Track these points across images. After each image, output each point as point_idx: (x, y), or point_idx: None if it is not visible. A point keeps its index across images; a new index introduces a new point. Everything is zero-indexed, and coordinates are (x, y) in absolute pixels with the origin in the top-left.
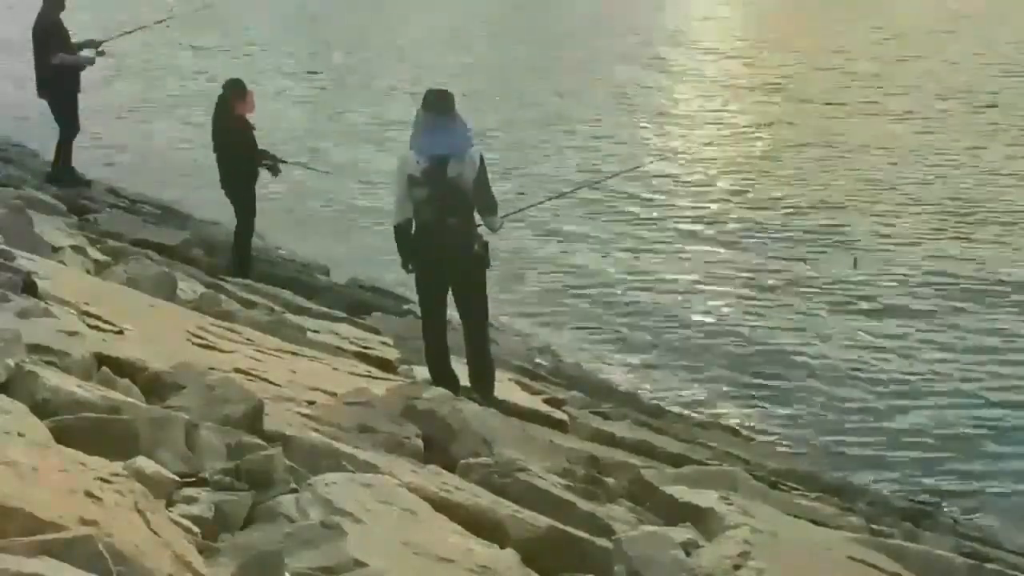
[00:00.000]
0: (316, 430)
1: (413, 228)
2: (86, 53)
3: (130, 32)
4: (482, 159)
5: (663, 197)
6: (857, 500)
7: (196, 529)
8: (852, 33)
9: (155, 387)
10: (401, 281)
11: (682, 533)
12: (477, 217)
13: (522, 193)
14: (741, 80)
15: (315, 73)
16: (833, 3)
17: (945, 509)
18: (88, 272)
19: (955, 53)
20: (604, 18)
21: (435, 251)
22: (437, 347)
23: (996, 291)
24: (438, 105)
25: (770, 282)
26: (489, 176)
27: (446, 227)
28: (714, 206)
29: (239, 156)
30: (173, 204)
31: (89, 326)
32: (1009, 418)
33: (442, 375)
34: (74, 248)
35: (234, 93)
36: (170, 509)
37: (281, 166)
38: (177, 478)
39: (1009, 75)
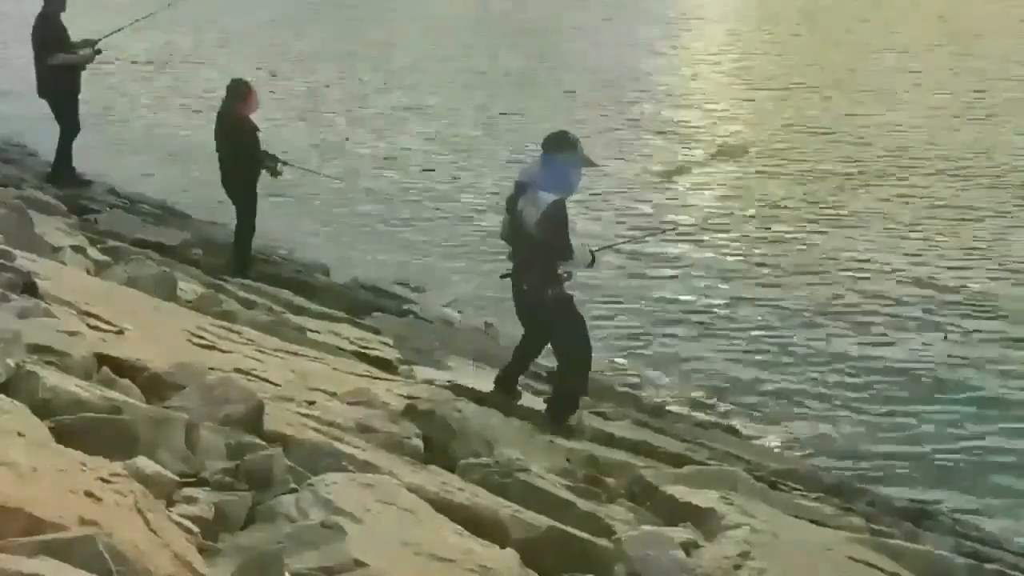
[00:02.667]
0: (316, 430)
1: None
2: (84, 52)
3: (122, 28)
4: (553, 207)
5: (660, 197)
6: (857, 500)
7: (196, 529)
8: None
9: (155, 387)
10: (401, 281)
11: (682, 533)
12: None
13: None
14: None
15: (312, 72)
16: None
17: (945, 509)
18: (88, 272)
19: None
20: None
21: (512, 276)
22: (516, 355)
23: (999, 293)
24: (545, 144)
25: (771, 283)
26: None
27: (513, 255)
28: (714, 206)
29: (241, 156)
30: (173, 204)
31: (89, 326)
32: (1010, 419)
33: (504, 371)
34: (74, 248)
35: (237, 92)
36: (170, 509)
37: (281, 168)
38: (177, 478)
39: None
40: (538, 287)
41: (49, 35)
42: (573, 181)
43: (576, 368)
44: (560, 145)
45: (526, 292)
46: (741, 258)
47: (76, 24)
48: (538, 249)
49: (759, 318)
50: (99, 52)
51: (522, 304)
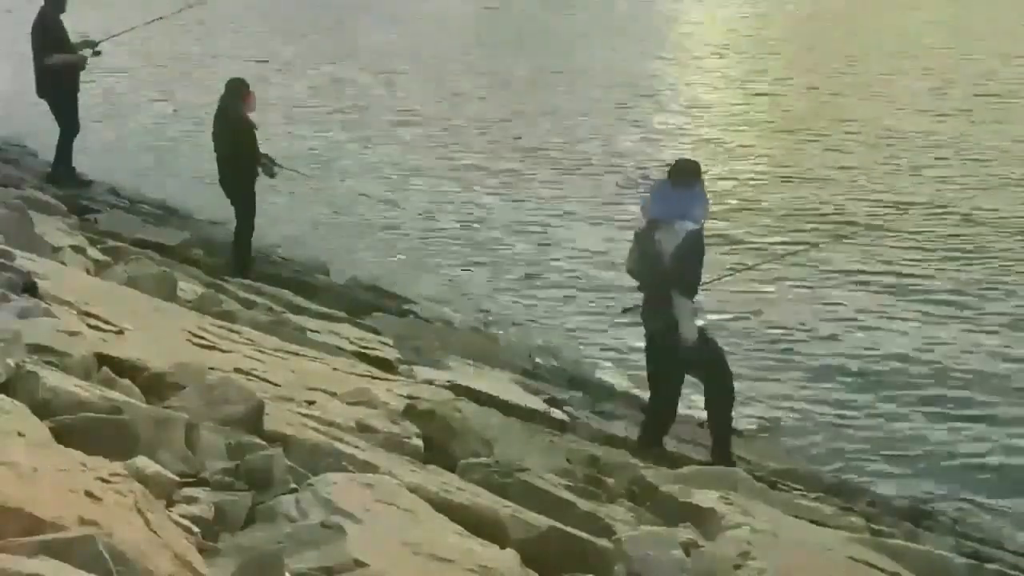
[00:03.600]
0: (316, 430)
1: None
2: (83, 53)
3: (123, 32)
4: (691, 236)
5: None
6: (857, 500)
7: (196, 529)
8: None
9: (155, 387)
10: (401, 281)
11: (682, 533)
12: None
13: None
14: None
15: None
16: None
17: (945, 509)
18: (88, 272)
19: None
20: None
21: (643, 312)
22: (654, 405)
23: (1003, 291)
24: (672, 172)
25: (770, 281)
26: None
27: (648, 290)
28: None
29: (240, 155)
30: (173, 204)
31: (89, 326)
32: (1010, 418)
33: (645, 429)
34: (74, 248)
35: (236, 92)
36: (170, 509)
37: (277, 170)
38: (177, 478)
39: None
40: (672, 323)
41: (48, 35)
42: (706, 208)
43: (728, 394)
44: (695, 173)
45: (660, 329)
46: (737, 256)
47: (80, 24)
48: (671, 283)
49: (757, 325)
50: (99, 54)
51: (655, 340)
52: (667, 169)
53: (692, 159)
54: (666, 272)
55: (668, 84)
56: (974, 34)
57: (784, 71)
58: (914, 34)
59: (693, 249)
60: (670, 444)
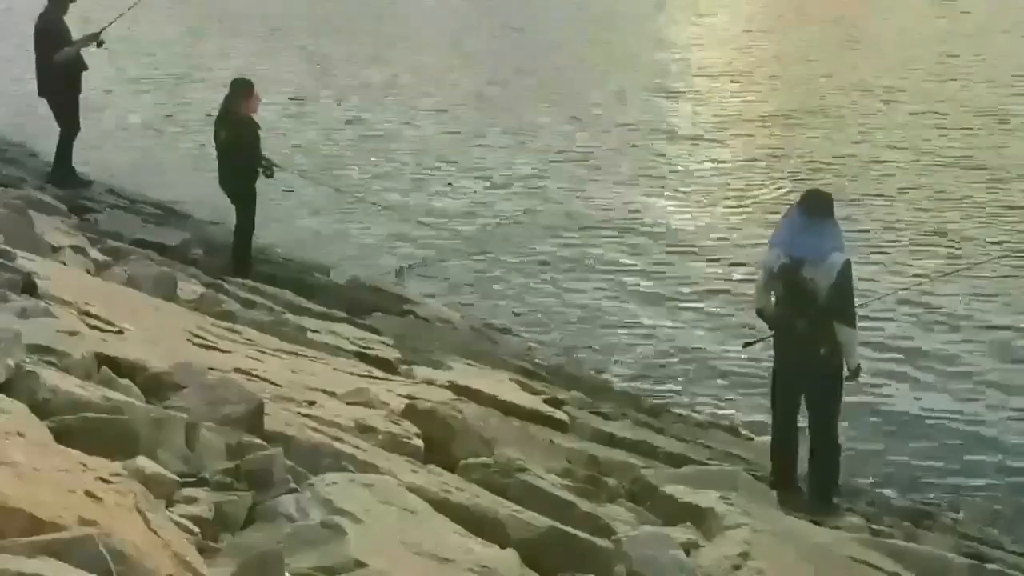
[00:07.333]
0: (316, 430)
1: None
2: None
3: (118, 17)
4: (845, 266)
5: (671, 200)
6: (857, 500)
7: (196, 529)
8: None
9: (155, 387)
10: (401, 281)
11: (682, 533)
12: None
13: None
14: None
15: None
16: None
17: (945, 509)
18: (88, 272)
19: None
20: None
21: (784, 350)
22: (781, 445)
23: (1002, 289)
24: (811, 208)
25: None
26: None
27: (794, 329)
28: (720, 204)
29: (241, 155)
30: (173, 204)
31: (89, 326)
32: (1010, 418)
33: (777, 472)
34: (74, 248)
35: (240, 92)
36: (170, 509)
37: (274, 169)
38: (177, 478)
39: None
40: (834, 350)
41: (51, 35)
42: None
43: (835, 444)
44: (831, 205)
45: (820, 360)
46: (738, 258)
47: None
48: (835, 317)
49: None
50: (102, 43)
51: (792, 369)
52: (799, 202)
53: (824, 191)
54: (827, 307)
55: None
56: None
57: None
58: None
59: (849, 280)
60: (672, 444)
